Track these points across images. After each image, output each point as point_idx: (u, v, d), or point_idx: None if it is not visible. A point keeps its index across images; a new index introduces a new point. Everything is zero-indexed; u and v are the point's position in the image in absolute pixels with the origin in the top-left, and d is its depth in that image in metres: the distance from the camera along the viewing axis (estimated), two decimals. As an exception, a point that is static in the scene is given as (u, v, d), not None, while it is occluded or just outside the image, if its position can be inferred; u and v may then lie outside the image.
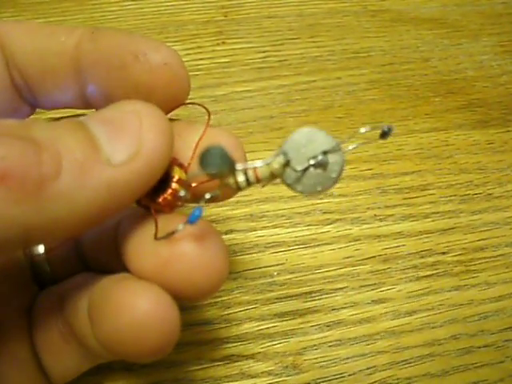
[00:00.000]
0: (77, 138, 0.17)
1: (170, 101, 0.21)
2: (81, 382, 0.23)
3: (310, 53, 0.43)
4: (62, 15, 0.45)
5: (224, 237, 0.32)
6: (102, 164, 0.16)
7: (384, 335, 0.29)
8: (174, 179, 0.19)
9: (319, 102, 0.40)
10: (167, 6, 0.47)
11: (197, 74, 0.42)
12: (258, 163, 0.19)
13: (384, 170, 0.36)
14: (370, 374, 0.28)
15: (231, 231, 0.33)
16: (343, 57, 0.43)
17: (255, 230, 0.33)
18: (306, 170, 0.19)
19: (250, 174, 0.19)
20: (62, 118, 0.23)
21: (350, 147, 0.20)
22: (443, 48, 0.43)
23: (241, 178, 0.19)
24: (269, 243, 0.32)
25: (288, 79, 0.41)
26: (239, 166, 0.18)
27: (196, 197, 0.20)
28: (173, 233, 0.18)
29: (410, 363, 0.28)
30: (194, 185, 0.20)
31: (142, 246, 0.19)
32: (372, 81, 0.41)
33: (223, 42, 0.44)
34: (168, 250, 0.18)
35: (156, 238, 0.18)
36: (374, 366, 0.28)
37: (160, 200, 0.19)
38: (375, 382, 0.28)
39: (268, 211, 0.33)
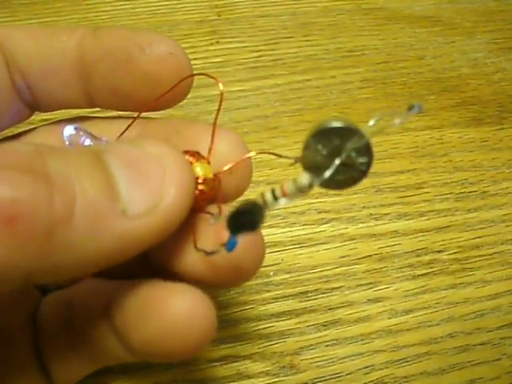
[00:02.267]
0: (94, 179, 0.15)
1: (176, 89, 0.21)
2: (79, 382, 0.23)
3: (304, 52, 0.43)
4: (56, 15, 0.45)
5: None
6: (117, 214, 0.16)
7: (381, 334, 0.29)
8: (200, 180, 0.19)
9: (314, 101, 0.40)
10: (160, 5, 0.47)
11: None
12: (288, 190, 0.18)
13: (379, 169, 0.36)
14: (368, 373, 0.28)
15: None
16: (337, 55, 0.43)
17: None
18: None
19: (277, 191, 0.18)
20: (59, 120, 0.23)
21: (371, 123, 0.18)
22: (437, 46, 0.43)
23: (268, 197, 0.18)
24: (264, 243, 0.32)
25: (282, 78, 0.41)
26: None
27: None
28: (213, 253, 0.18)
29: (407, 362, 0.28)
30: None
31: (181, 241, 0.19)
32: (366, 79, 0.41)
33: (217, 42, 0.44)
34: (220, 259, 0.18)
35: (196, 248, 0.19)
36: (372, 365, 0.28)
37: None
38: (372, 381, 0.28)
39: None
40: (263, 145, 0.37)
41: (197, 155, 0.19)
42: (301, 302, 0.30)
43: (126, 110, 0.23)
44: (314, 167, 0.18)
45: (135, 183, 0.16)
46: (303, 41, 0.44)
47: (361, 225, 0.33)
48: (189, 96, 0.40)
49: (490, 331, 0.29)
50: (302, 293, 0.30)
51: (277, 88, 0.40)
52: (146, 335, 0.18)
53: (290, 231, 0.33)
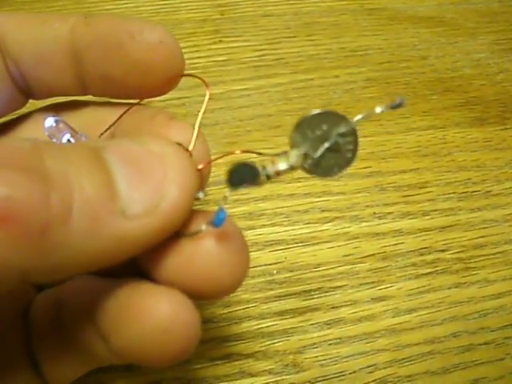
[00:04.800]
0: (93, 177, 0.15)
1: (166, 77, 0.21)
2: (80, 381, 0.23)
3: (307, 51, 0.43)
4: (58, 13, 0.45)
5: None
6: (116, 214, 0.15)
7: (384, 333, 0.29)
8: None
9: (317, 100, 0.40)
10: (163, 4, 0.47)
11: (194, 73, 0.42)
12: (280, 163, 0.18)
13: (382, 168, 0.36)
14: (371, 372, 0.28)
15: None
16: (340, 55, 0.43)
17: (254, 229, 0.33)
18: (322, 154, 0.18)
19: (269, 169, 0.18)
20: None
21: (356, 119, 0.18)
22: (440, 46, 0.43)
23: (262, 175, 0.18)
24: (268, 241, 0.32)
25: (285, 77, 0.41)
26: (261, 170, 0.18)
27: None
28: (196, 233, 0.17)
29: (410, 361, 0.28)
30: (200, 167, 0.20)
31: (163, 246, 0.18)
32: (370, 79, 0.41)
33: (220, 41, 0.44)
34: (191, 248, 0.17)
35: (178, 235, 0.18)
36: (375, 364, 0.28)
37: None
38: (376, 380, 0.28)
39: (267, 209, 0.33)
40: (266, 143, 0.37)
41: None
42: (304, 300, 0.30)
43: (117, 98, 0.23)
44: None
45: (135, 182, 0.16)
46: (306, 40, 0.44)
47: (364, 224, 0.33)
48: (191, 94, 0.40)
49: (494, 331, 0.29)
50: (304, 291, 0.30)
51: (280, 87, 0.40)
52: (126, 339, 0.17)
53: (293, 229, 0.32)
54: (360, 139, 0.36)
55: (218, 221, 0.17)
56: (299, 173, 0.34)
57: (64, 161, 0.15)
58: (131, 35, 0.20)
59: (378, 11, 0.46)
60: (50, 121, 0.22)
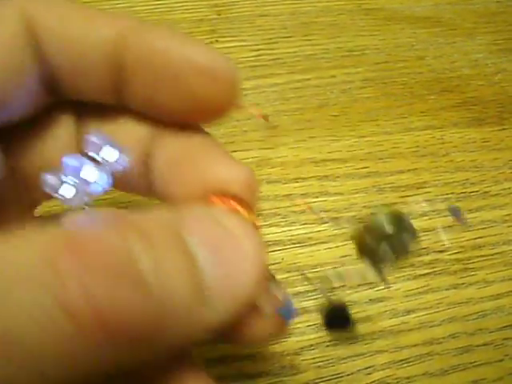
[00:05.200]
0: (185, 275, 0.15)
1: (221, 108, 0.20)
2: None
3: (303, 51, 0.43)
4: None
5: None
6: (205, 308, 0.15)
7: (382, 334, 0.29)
8: None
9: (314, 100, 0.39)
10: (158, 4, 0.47)
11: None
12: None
13: (380, 168, 0.35)
14: (369, 373, 0.28)
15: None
16: (337, 55, 0.42)
17: (251, 229, 0.32)
18: None
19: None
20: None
21: None
22: (438, 46, 0.43)
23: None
24: (266, 242, 0.32)
25: (282, 77, 0.41)
26: None
27: None
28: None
29: (408, 362, 0.28)
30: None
31: None
32: (367, 79, 0.41)
33: (216, 41, 0.44)
34: None
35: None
36: (373, 366, 0.28)
37: None
38: (374, 381, 0.27)
39: (263, 210, 0.33)
40: (264, 144, 0.36)
41: (242, 201, 0.20)
42: (301, 301, 0.30)
43: (157, 117, 0.21)
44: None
45: (219, 271, 0.15)
46: (303, 40, 0.43)
47: (361, 224, 0.33)
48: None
49: (493, 332, 0.29)
50: (302, 292, 0.30)
51: (276, 87, 0.40)
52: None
53: (290, 230, 0.32)
54: (357, 139, 0.36)
55: (287, 314, 0.18)
56: (295, 172, 0.34)
57: (153, 253, 0.15)
58: (198, 70, 0.19)
59: (375, 11, 0.46)
60: (91, 137, 0.20)
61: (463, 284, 0.31)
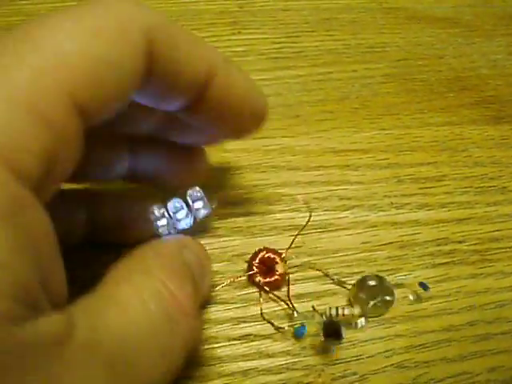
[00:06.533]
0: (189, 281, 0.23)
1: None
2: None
3: (325, 46, 0.43)
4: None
5: (242, 219, 0.32)
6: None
7: (401, 319, 0.29)
8: (278, 272, 0.30)
9: (335, 92, 0.40)
10: (181, -4, 0.47)
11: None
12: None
13: (400, 160, 0.36)
14: (388, 356, 0.28)
15: (249, 213, 0.33)
16: (359, 51, 0.43)
17: (273, 213, 0.33)
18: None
19: (340, 311, 0.28)
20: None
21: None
22: (457, 46, 0.44)
23: (334, 313, 0.28)
24: (286, 226, 0.32)
25: (304, 70, 0.41)
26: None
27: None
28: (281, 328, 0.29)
29: (427, 347, 0.28)
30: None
31: None
32: (387, 75, 0.41)
33: (239, 32, 0.44)
34: None
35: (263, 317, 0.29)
36: (392, 349, 0.28)
37: (269, 281, 0.29)
38: (393, 364, 0.28)
39: (285, 195, 0.33)
40: (286, 132, 0.37)
41: (279, 255, 0.30)
42: (322, 284, 0.30)
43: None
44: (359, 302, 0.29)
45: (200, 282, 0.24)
46: (325, 35, 0.44)
47: (382, 213, 0.33)
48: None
49: (510, 321, 0.30)
50: (323, 276, 0.30)
51: (299, 79, 0.41)
52: None
53: (312, 216, 0.33)
54: (378, 131, 0.37)
55: (299, 334, 0.28)
56: (316, 161, 0.34)
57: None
58: (255, 112, 0.25)
59: (396, 10, 0.47)
60: (192, 191, 0.28)
61: (481, 274, 0.31)
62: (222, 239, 0.32)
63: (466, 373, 0.28)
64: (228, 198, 0.33)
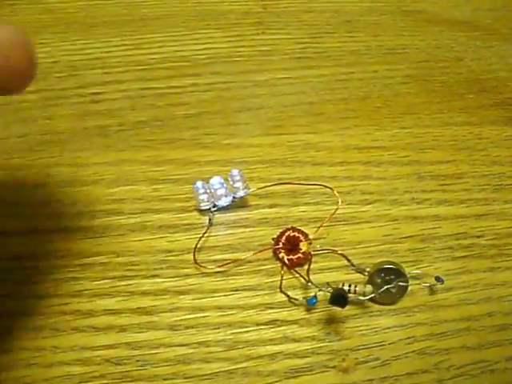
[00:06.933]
0: None
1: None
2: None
3: (347, 47, 0.45)
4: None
5: (268, 210, 0.34)
6: None
7: (422, 308, 0.30)
8: (302, 250, 0.31)
9: (358, 92, 0.41)
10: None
11: (238, 60, 0.43)
12: (363, 293, 0.29)
13: (421, 158, 0.37)
14: (410, 343, 0.29)
15: (275, 205, 0.34)
16: (380, 52, 0.44)
17: (298, 206, 0.34)
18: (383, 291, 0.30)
19: (352, 288, 0.29)
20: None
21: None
22: (476, 49, 0.45)
23: (347, 288, 0.29)
24: (311, 218, 0.33)
25: (327, 70, 0.43)
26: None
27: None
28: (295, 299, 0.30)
29: (447, 335, 0.29)
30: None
31: None
32: (408, 75, 0.43)
33: (263, 32, 0.46)
34: None
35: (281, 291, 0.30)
36: (413, 337, 0.29)
37: (291, 258, 0.31)
38: (414, 351, 0.29)
39: (310, 189, 0.35)
40: (309, 129, 0.38)
41: (305, 235, 0.32)
42: (346, 274, 0.31)
43: None
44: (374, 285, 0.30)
45: None
46: (347, 37, 0.46)
47: (403, 207, 0.34)
48: (236, 80, 0.41)
49: (527, 313, 0.31)
50: (346, 266, 0.32)
51: (322, 78, 0.42)
52: None
53: (335, 209, 0.34)
54: (399, 130, 0.38)
55: (311, 303, 0.29)
56: (340, 156, 0.36)
57: None
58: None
59: (416, 13, 0.48)
60: (235, 172, 0.32)
61: (499, 268, 0.32)
62: (248, 229, 0.33)
63: (484, 361, 0.29)
64: (255, 189, 0.34)
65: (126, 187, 0.35)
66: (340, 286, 0.29)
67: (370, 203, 0.34)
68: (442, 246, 0.33)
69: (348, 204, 0.34)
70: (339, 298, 0.28)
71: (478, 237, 0.33)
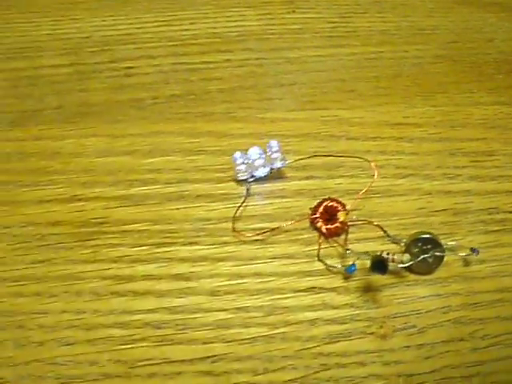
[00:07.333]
0: None
1: None
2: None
3: (377, 27, 0.45)
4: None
5: (304, 182, 0.34)
6: None
7: (457, 279, 0.31)
8: (339, 220, 0.32)
9: (388, 70, 0.42)
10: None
11: (269, 38, 0.44)
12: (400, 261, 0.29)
13: (451, 135, 0.38)
14: (445, 312, 0.30)
15: (311, 177, 0.34)
16: (409, 32, 0.45)
17: (333, 178, 0.34)
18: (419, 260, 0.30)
19: (390, 257, 0.29)
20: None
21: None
22: (506, 30, 0.46)
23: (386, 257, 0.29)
24: (346, 190, 0.34)
25: (357, 48, 0.43)
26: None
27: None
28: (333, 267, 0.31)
29: (481, 306, 0.30)
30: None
31: None
32: (437, 56, 0.43)
33: (293, 11, 0.46)
34: None
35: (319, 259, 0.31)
36: (449, 306, 0.30)
37: (329, 227, 0.32)
38: (450, 320, 0.29)
39: (344, 162, 0.35)
40: (342, 104, 0.39)
41: (343, 205, 0.33)
42: (382, 244, 0.32)
43: None
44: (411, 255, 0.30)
45: None
46: (376, 17, 0.46)
47: (436, 182, 0.35)
48: (268, 56, 0.42)
49: (560, 286, 0.31)
50: (382, 237, 0.32)
51: (352, 56, 0.42)
52: None
53: (370, 182, 0.34)
54: (430, 108, 0.38)
55: (350, 270, 0.30)
56: (373, 132, 0.36)
57: None
58: None
59: (444, -5, 0.48)
60: (273, 143, 0.33)
61: (531, 242, 0.33)
62: (285, 200, 0.34)
63: (518, 331, 0.29)
64: (292, 161, 0.35)
65: (162, 158, 0.36)
66: (379, 254, 0.29)
67: (403, 177, 0.35)
68: (475, 219, 0.33)
69: (382, 177, 0.35)
70: (380, 264, 0.28)
71: (510, 212, 0.34)
